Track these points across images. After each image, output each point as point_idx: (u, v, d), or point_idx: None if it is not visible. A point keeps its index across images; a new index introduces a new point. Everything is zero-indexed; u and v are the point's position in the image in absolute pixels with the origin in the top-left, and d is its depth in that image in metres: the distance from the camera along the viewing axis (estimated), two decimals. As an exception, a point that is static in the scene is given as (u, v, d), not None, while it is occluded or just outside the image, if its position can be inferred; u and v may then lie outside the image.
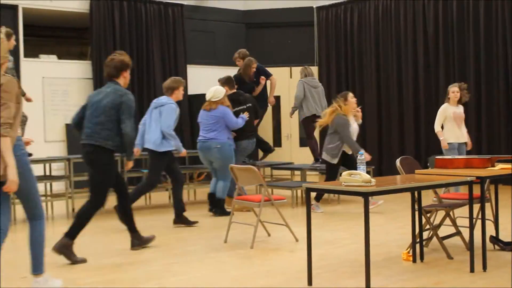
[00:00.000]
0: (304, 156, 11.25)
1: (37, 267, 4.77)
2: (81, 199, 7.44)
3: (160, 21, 13.55)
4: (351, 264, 5.59)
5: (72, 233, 6.01)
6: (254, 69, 10.75)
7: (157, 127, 7.89)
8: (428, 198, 6.20)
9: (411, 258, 5.62)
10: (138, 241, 6.57)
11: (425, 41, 12.82)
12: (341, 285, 4.92)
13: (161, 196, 10.53)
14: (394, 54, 13.33)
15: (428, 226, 5.84)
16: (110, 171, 6.24)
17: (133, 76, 13.04)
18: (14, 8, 12.25)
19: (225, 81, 9.44)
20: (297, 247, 6.44)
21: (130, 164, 6.43)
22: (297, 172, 11.59)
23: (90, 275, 5.42)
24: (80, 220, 6.10)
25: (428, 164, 8.69)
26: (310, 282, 4.89)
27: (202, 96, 12.97)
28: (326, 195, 10.04)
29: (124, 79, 6.36)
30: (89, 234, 7.24)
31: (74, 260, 5.87)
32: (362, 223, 4.50)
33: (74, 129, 6.49)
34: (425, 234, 5.89)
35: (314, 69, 14.54)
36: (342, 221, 8.16)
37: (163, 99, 8.09)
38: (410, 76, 13.01)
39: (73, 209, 9.19)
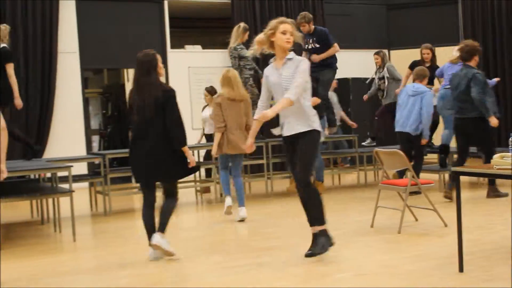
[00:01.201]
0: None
1: None
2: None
3: (300, 7, 13.58)
4: (506, 251, 5.32)
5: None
6: (430, 55, 10.45)
7: (412, 113, 8.45)
8: None
9: None
10: (495, 193, 8.16)
11: None
12: (495, 272, 4.71)
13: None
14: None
15: None
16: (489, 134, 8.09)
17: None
18: (160, 2, 12.80)
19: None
20: (446, 232, 6.25)
21: (495, 123, 7.84)
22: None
23: (238, 257, 5.57)
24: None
25: None
26: (461, 268, 4.71)
27: (343, 80, 12.89)
28: (476, 179, 9.69)
29: (475, 61, 7.96)
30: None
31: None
32: (517, 207, 4.29)
33: None
34: None
35: (459, 49, 14.03)
36: (494, 206, 7.82)
37: (420, 87, 8.52)
38: None
39: (221, 195, 9.42)
